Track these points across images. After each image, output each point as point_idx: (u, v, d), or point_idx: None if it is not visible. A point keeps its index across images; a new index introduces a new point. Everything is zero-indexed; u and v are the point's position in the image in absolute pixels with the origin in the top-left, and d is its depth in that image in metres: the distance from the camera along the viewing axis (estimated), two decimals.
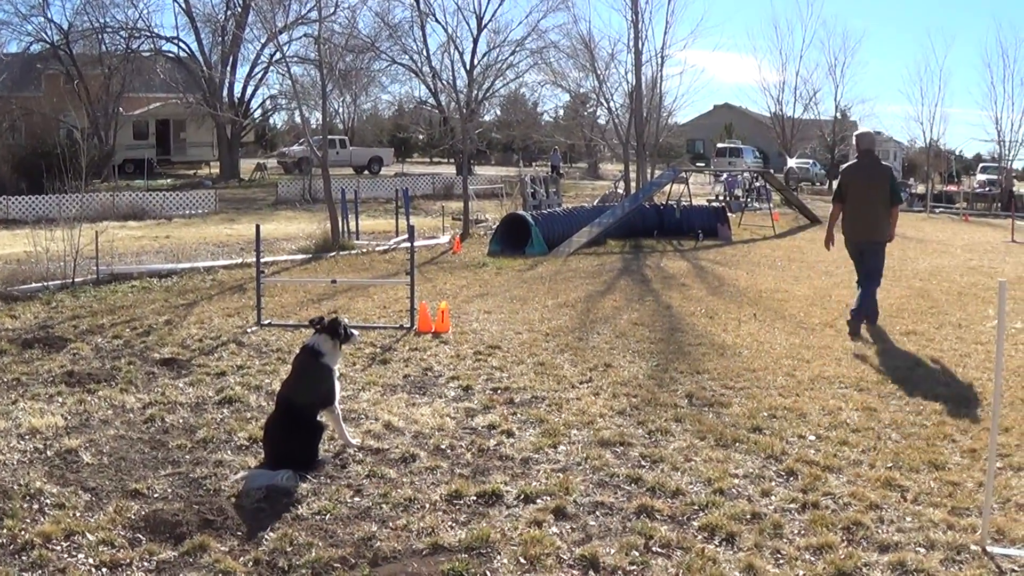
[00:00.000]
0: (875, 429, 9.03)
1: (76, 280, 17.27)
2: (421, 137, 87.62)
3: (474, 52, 41.11)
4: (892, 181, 14.24)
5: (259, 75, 61.97)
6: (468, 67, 35.70)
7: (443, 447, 8.39)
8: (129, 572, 6.05)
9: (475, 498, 7.21)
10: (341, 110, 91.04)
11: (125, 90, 57.94)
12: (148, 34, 58.89)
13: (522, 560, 6.23)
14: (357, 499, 7.20)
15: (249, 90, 62.76)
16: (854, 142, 15.51)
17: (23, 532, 6.44)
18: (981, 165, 71.65)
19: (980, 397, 10.22)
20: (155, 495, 7.22)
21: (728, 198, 41.52)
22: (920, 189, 54.67)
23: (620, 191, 37.44)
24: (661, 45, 36.99)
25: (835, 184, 16.17)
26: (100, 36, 56.32)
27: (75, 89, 54.95)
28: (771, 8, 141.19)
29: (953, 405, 9.88)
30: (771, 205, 37.15)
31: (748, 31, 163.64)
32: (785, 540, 6.57)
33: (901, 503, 7.22)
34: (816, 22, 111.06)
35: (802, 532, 6.71)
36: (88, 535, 6.45)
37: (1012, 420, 9.32)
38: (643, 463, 8.02)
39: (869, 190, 14.14)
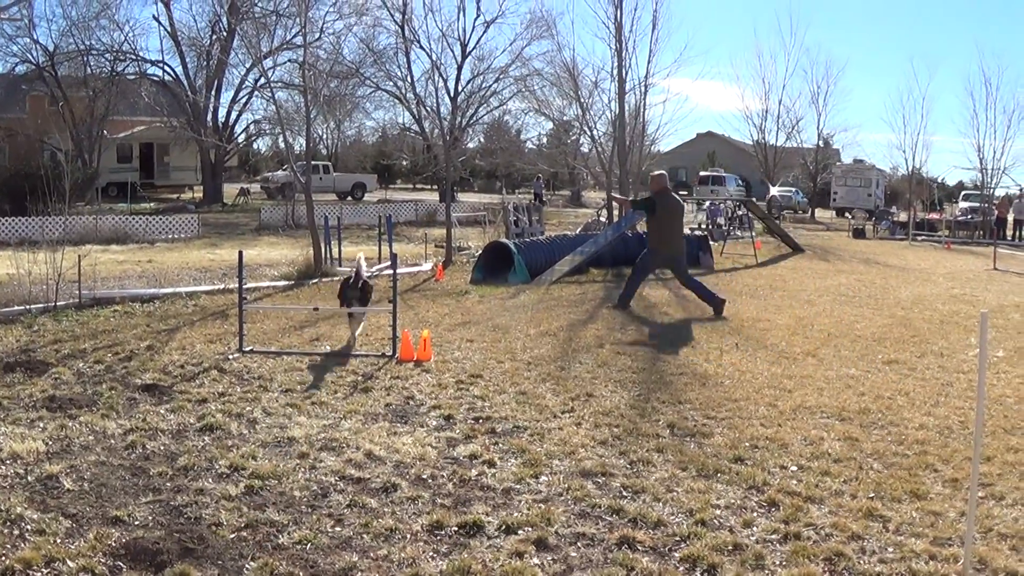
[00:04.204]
0: (857, 459, 9.05)
1: (58, 304, 17.21)
2: (404, 163, 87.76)
3: (458, 79, 40.79)
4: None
5: (243, 100, 62.12)
6: (452, 94, 35.59)
7: (424, 477, 8.37)
8: None
9: (456, 528, 7.20)
10: (325, 136, 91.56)
11: (109, 113, 58.04)
12: (133, 57, 58.96)
13: None
14: (338, 529, 7.18)
15: (233, 115, 62.92)
16: (661, 180, 19.17)
17: (3, 558, 6.42)
18: (963, 193, 71.97)
19: (962, 426, 10.24)
20: (136, 522, 7.20)
21: (710, 226, 41.62)
22: (902, 217, 54.83)
23: (603, 219, 37.47)
24: (645, 73, 36.97)
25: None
26: (85, 58, 56.43)
27: (59, 111, 55.07)
28: (754, 37, 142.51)
29: (935, 434, 9.92)
30: (753, 234, 37.26)
31: (731, 59, 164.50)
32: (767, 571, 6.58)
33: (883, 533, 7.23)
34: (799, 50, 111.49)
35: (784, 563, 6.71)
36: (68, 562, 6.43)
37: (994, 449, 9.37)
38: (625, 494, 8.03)
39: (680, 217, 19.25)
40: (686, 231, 34.04)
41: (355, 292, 14.68)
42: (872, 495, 8.04)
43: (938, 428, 10.19)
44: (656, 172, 20.47)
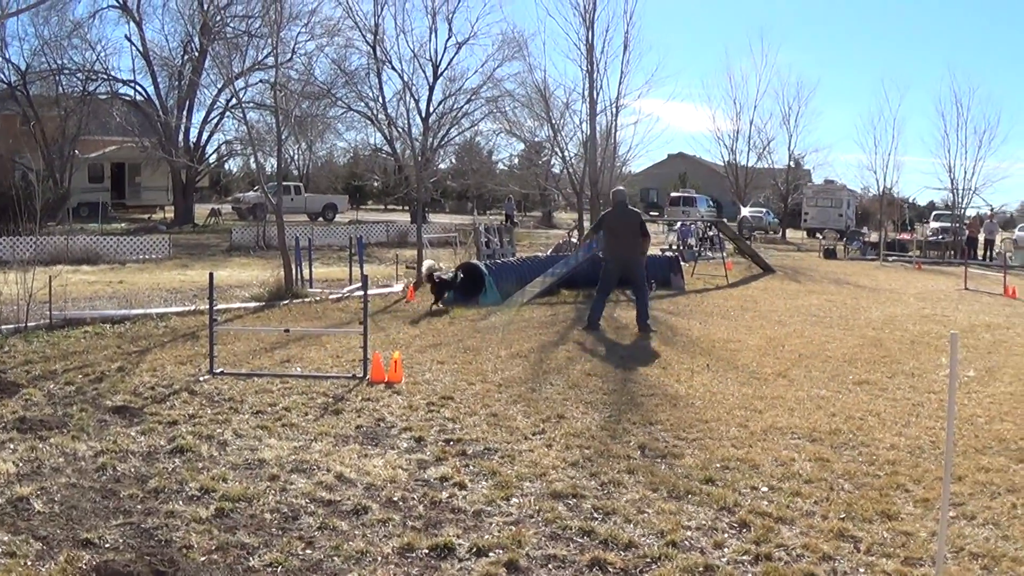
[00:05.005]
0: (828, 480, 9.07)
1: (29, 324, 17.14)
2: (376, 184, 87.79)
3: (430, 100, 41.17)
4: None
5: (215, 120, 61.90)
6: (423, 115, 35.76)
7: (395, 499, 8.35)
8: None
9: (427, 551, 7.19)
10: (296, 156, 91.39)
11: (81, 132, 57.83)
12: (105, 77, 58.78)
13: None
14: (309, 551, 7.16)
15: (205, 135, 62.67)
16: (613, 196, 20.30)
17: None
18: (934, 213, 72.32)
19: (933, 446, 10.29)
20: (106, 545, 7.17)
21: (681, 247, 41.71)
22: (873, 237, 55.06)
23: (574, 240, 37.51)
24: (616, 95, 37.05)
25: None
26: (57, 77, 56.24)
27: (31, 130, 54.76)
28: (726, 58, 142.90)
29: (906, 455, 9.96)
30: (724, 254, 37.33)
31: (703, 81, 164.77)
32: None
33: (854, 554, 7.25)
34: (770, 71, 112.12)
35: None
36: None
37: (965, 469, 9.41)
38: (596, 515, 8.02)
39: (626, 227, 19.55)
40: (656, 252, 34.21)
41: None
42: (843, 515, 8.06)
43: (909, 448, 10.23)
44: (613, 189, 21.52)
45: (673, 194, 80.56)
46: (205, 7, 54.01)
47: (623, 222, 19.55)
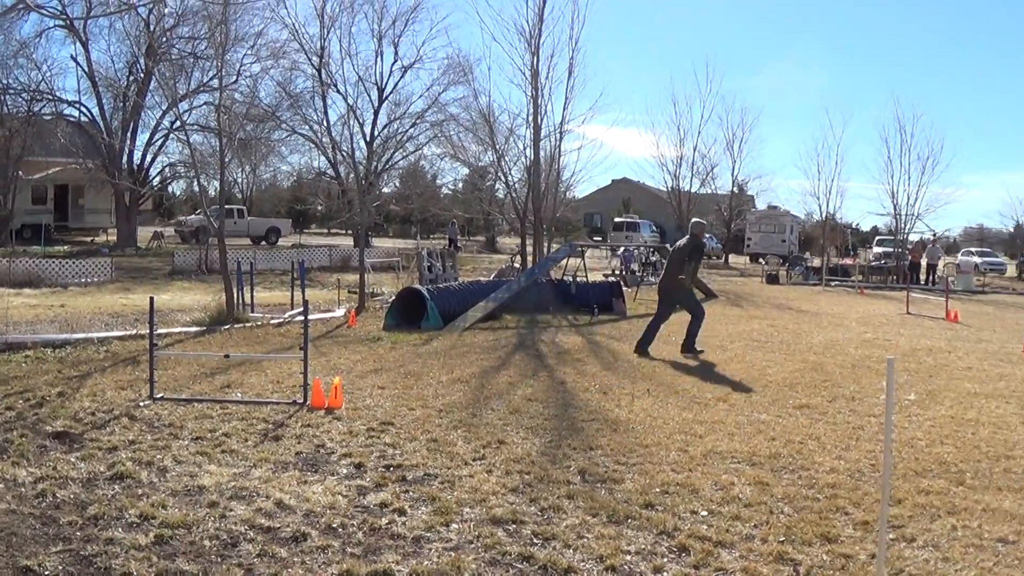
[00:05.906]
0: (767, 503, 9.10)
1: None
2: (319, 208, 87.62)
3: (374, 123, 40.99)
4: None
5: (159, 142, 61.57)
6: (368, 139, 35.66)
7: (334, 526, 8.31)
8: None
9: None
10: (240, 179, 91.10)
11: (25, 153, 57.42)
12: (50, 97, 58.30)
13: None
14: None
15: (148, 157, 62.28)
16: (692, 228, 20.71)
17: None
18: (877, 238, 72.98)
19: (873, 469, 10.35)
20: (46, 572, 7.10)
21: (624, 272, 41.84)
22: (816, 262, 55.48)
23: (517, 265, 37.55)
24: (560, 120, 37.11)
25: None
26: (3, 97, 55.79)
27: None
28: (670, 84, 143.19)
29: (846, 478, 10.01)
30: None
31: (647, 107, 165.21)
32: None
33: None
34: (715, 98, 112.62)
35: None
36: None
37: (904, 492, 9.47)
38: (535, 541, 8.02)
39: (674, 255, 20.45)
40: (599, 277, 34.31)
41: None
42: (783, 539, 8.09)
43: (849, 471, 10.29)
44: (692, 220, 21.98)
45: (617, 219, 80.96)
46: (151, 28, 53.92)
47: (674, 252, 20.84)
